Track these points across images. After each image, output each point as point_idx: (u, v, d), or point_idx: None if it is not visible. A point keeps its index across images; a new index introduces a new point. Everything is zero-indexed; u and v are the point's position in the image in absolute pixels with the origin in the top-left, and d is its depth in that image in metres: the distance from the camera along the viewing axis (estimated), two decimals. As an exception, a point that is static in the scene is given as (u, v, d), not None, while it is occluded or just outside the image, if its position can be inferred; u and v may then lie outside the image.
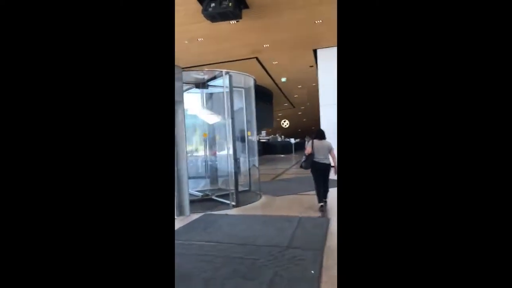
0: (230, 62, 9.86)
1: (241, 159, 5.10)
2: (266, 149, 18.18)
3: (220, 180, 5.58)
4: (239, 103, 4.59)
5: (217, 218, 3.70)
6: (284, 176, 7.61)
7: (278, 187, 5.80)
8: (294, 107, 20.94)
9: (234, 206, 4.32)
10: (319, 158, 3.91)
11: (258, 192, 5.07)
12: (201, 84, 4.85)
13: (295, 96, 17.06)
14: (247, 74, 4.64)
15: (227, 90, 4.35)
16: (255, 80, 4.96)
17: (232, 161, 4.42)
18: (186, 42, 8.38)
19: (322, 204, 3.94)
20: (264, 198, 4.84)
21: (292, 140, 19.70)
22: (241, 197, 4.63)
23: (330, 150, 3.91)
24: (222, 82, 4.92)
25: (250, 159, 5.06)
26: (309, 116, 23.07)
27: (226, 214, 3.87)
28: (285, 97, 17.12)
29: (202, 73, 4.68)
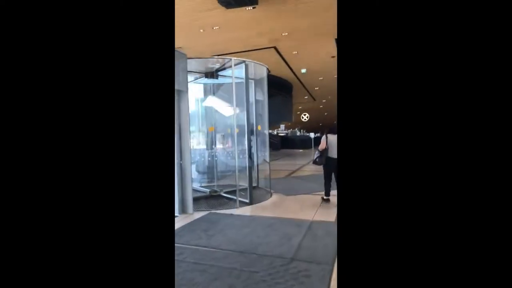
0: (247, 52, 9.48)
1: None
2: (284, 143, 17.78)
3: (229, 175, 5.31)
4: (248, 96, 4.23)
5: (220, 218, 3.44)
6: (300, 173, 7.24)
7: (292, 185, 5.46)
8: (315, 100, 20.23)
9: (248, 204, 4.08)
10: (333, 153, 3.80)
11: (268, 190, 4.75)
12: (210, 74, 4.56)
13: (316, 88, 16.39)
14: (259, 62, 4.27)
15: (237, 81, 4.02)
16: (268, 70, 4.58)
17: (242, 155, 4.12)
18: (201, 30, 8.11)
19: (328, 198, 4.00)
20: (274, 197, 4.52)
21: (312, 135, 19.06)
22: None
23: None
24: (234, 71, 4.60)
25: (260, 154, 4.72)
26: (330, 110, 22.24)
27: (231, 214, 3.60)
28: (306, 89, 16.51)
29: (213, 62, 4.35)
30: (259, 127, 4.23)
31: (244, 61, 4.18)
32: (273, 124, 16.86)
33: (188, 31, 7.99)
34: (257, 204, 4.10)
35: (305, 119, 22.28)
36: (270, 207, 4.00)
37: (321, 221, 3.23)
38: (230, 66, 4.31)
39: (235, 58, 3.90)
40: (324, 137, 3.92)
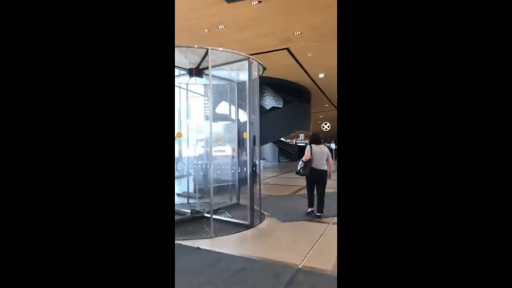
0: (257, 55, 8.75)
1: (229, 167, 3.96)
2: (302, 154, 16.67)
3: (220, 191, 4.47)
4: (223, 106, 3.41)
5: (181, 254, 2.61)
6: (309, 189, 6.23)
7: (293, 206, 4.53)
8: (336, 108, 19.02)
9: (247, 227, 3.30)
10: (317, 164, 3.71)
11: (260, 211, 3.84)
12: (193, 71, 3.82)
13: (337, 95, 15.27)
14: (248, 56, 3.46)
15: (214, 82, 3.23)
16: (263, 67, 3.76)
17: (219, 168, 3.31)
18: (206, 31, 7.53)
19: (312, 210, 3.84)
20: (265, 222, 3.62)
21: (333, 145, 17.71)
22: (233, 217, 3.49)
23: (328, 156, 3.76)
24: (210, 69, 3.80)
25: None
26: (354, 119, 20.79)
27: (198, 248, 2.76)
28: (325, 96, 15.45)
29: (195, 53, 3.57)
30: (246, 135, 3.40)
31: (245, 57, 3.39)
32: (287, 133, 15.89)
33: (193, 32, 7.46)
34: (239, 233, 3.23)
35: (326, 129, 21.05)
36: (253, 238, 3.10)
37: (312, 268, 2.30)
38: (221, 65, 3.55)
39: (213, 47, 3.12)
40: (308, 147, 3.77)
